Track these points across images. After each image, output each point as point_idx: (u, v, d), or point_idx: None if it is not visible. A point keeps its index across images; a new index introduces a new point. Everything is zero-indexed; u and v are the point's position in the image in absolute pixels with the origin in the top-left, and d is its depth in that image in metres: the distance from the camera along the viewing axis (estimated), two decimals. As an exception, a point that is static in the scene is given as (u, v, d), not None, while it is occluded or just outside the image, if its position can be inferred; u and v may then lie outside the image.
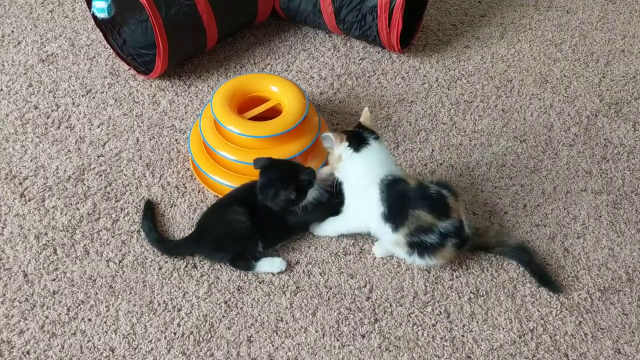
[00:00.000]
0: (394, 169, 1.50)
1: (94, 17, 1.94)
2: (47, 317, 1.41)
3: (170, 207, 1.62)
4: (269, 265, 1.50)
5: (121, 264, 1.51)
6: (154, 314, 1.43)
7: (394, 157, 1.75)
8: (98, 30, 1.99)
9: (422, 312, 1.46)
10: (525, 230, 1.63)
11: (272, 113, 1.67)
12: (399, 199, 1.45)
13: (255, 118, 1.66)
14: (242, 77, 1.76)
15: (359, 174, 1.48)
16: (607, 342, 1.44)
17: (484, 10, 2.30)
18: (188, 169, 1.71)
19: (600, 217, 1.68)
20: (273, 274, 1.51)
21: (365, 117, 1.54)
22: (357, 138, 1.49)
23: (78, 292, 1.46)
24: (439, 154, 1.79)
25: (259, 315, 1.44)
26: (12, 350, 1.36)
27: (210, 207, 1.58)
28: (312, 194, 1.51)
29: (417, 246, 1.46)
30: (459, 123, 1.89)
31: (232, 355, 1.38)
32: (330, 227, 1.56)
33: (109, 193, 1.64)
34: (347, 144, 1.48)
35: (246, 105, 1.69)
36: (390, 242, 1.49)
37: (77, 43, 2.05)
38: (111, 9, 1.84)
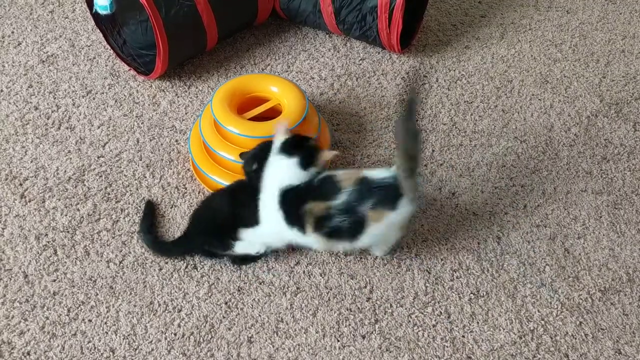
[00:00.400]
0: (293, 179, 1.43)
1: (94, 18, 1.94)
2: (47, 318, 1.41)
3: (171, 208, 1.62)
4: (248, 245, 1.49)
5: (121, 264, 1.51)
6: (154, 314, 1.43)
7: (393, 158, 1.75)
8: (98, 31, 1.99)
9: (422, 313, 1.46)
10: (526, 231, 1.63)
11: (272, 113, 1.67)
12: (292, 201, 1.40)
13: (256, 118, 1.66)
14: (242, 77, 1.76)
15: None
16: (607, 343, 1.44)
17: (484, 11, 2.30)
18: (188, 169, 1.71)
19: (601, 217, 1.68)
20: (273, 275, 1.51)
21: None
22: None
23: (78, 292, 1.46)
24: (439, 155, 1.79)
25: (260, 316, 1.44)
26: (12, 351, 1.36)
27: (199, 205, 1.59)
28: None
29: (336, 233, 1.39)
30: (459, 123, 1.89)
31: (232, 356, 1.38)
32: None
33: (109, 194, 1.65)
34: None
35: (246, 106, 1.69)
36: (315, 244, 1.45)
37: (77, 44, 2.06)
38: (113, 5, 1.85)
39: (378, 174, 1.40)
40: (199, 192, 1.66)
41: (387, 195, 1.37)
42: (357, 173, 1.40)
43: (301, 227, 1.41)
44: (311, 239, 1.43)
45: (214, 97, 1.65)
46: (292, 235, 1.44)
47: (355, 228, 1.38)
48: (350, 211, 1.36)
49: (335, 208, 1.37)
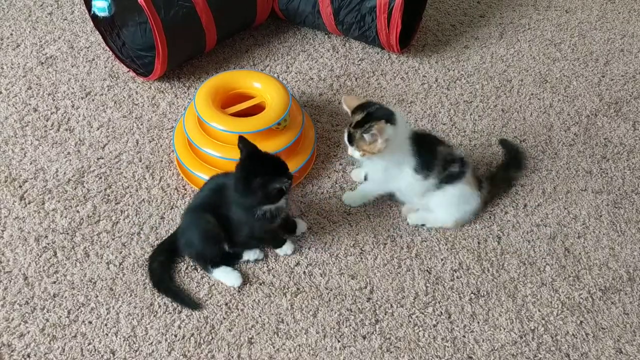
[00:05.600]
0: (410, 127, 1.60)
1: (93, 20, 1.94)
2: (47, 320, 1.41)
3: (170, 209, 1.62)
4: (224, 275, 1.48)
5: (121, 266, 1.50)
6: (154, 316, 1.43)
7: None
8: (97, 32, 1.99)
9: (423, 313, 1.46)
10: (526, 230, 1.63)
11: (255, 109, 1.67)
12: (423, 145, 1.53)
13: (241, 115, 1.66)
14: (225, 74, 1.76)
15: (400, 139, 1.51)
16: (608, 342, 1.44)
17: (483, 11, 2.30)
18: (188, 170, 1.71)
19: (601, 216, 1.67)
20: (273, 275, 1.50)
21: (352, 101, 1.54)
22: (384, 114, 1.50)
23: (78, 294, 1.45)
24: (439, 155, 1.79)
25: (260, 316, 1.44)
26: (12, 353, 1.36)
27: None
28: (280, 202, 1.43)
29: (445, 179, 1.55)
30: (458, 123, 1.89)
31: (233, 357, 1.37)
32: (362, 196, 1.66)
33: (108, 195, 1.64)
34: (388, 125, 1.47)
35: (230, 102, 1.69)
36: (419, 192, 1.57)
37: (76, 45, 2.05)
38: (111, 8, 1.84)
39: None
40: (198, 193, 1.66)
41: (476, 179, 1.61)
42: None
43: (430, 169, 1.53)
44: (424, 186, 1.55)
45: (197, 94, 1.65)
46: (404, 184, 1.56)
47: (458, 176, 1.56)
48: (463, 164, 1.56)
49: (456, 155, 1.57)
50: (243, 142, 1.40)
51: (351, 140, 1.50)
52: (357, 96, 1.60)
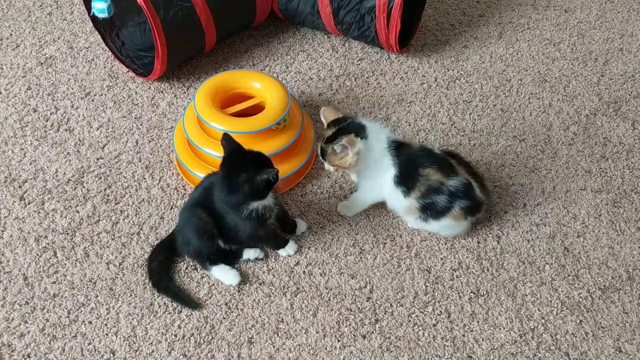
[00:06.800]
0: (392, 135, 1.55)
1: (93, 20, 1.94)
2: (47, 320, 1.41)
3: (170, 209, 1.62)
4: (222, 273, 1.49)
5: (121, 266, 1.51)
6: (154, 316, 1.43)
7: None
8: (96, 32, 1.99)
9: (422, 312, 1.46)
10: (525, 230, 1.63)
11: (255, 109, 1.67)
12: (408, 161, 1.50)
13: (240, 115, 1.66)
14: (225, 74, 1.76)
15: (374, 152, 1.50)
16: (608, 341, 1.44)
17: (482, 10, 2.30)
18: (187, 170, 1.71)
19: (600, 215, 1.68)
20: (273, 275, 1.51)
21: (330, 114, 1.55)
22: (354, 128, 1.50)
23: (78, 294, 1.46)
24: (439, 154, 1.80)
25: (260, 316, 1.44)
26: (12, 353, 1.36)
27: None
28: (267, 200, 1.43)
29: (429, 209, 1.51)
30: (458, 123, 1.89)
31: (233, 356, 1.37)
32: (354, 205, 1.63)
33: (108, 195, 1.64)
34: (357, 139, 1.48)
35: (229, 103, 1.69)
36: (402, 208, 1.54)
37: (75, 46, 2.05)
38: (111, 9, 1.85)
39: (475, 185, 1.53)
40: (198, 193, 1.66)
41: (475, 207, 1.53)
42: (464, 173, 1.53)
43: (408, 189, 1.49)
44: (404, 202, 1.51)
45: (196, 94, 1.65)
46: (389, 194, 1.53)
47: (441, 213, 1.50)
48: (452, 196, 1.48)
49: (446, 186, 1.48)
50: (226, 139, 1.40)
51: (323, 155, 1.52)
52: (335, 108, 1.59)
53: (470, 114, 1.92)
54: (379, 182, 1.53)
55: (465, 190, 1.49)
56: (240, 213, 1.41)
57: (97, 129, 1.81)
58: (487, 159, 1.79)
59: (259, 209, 1.41)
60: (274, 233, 1.53)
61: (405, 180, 1.49)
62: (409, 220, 1.60)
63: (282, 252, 1.54)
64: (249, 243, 1.51)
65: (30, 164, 1.71)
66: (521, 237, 1.62)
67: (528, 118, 1.92)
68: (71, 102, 1.88)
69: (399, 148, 1.51)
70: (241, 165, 1.37)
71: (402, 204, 1.53)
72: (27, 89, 1.91)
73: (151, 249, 1.53)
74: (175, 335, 1.40)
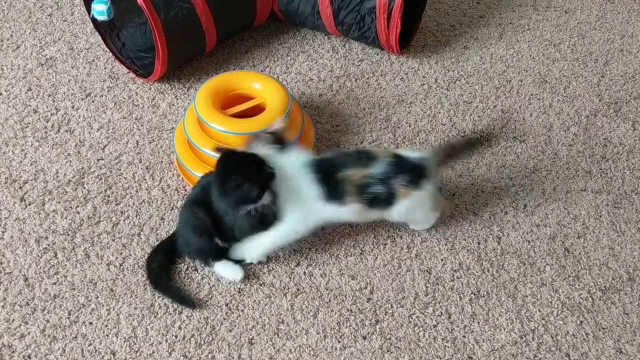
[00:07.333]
0: (302, 155, 1.47)
1: (93, 21, 1.94)
2: (48, 321, 1.41)
3: (171, 210, 1.62)
4: (224, 269, 1.49)
5: (122, 267, 1.51)
6: (155, 316, 1.43)
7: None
8: (97, 33, 1.99)
9: (423, 313, 1.46)
10: (526, 231, 1.63)
11: (255, 110, 1.67)
12: (325, 173, 1.42)
13: (241, 116, 1.66)
14: (225, 75, 1.76)
15: (291, 179, 1.43)
16: (608, 342, 1.44)
17: (482, 11, 2.30)
18: (188, 171, 1.71)
19: (601, 216, 1.68)
20: (274, 276, 1.51)
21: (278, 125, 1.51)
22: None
23: (79, 295, 1.46)
24: (439, 155, 1.80)
25: (260, 317, 1.44)
26: (13, 354, 1.36)
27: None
28: (264, 199, 1.40)
29: (377, 201, 1.44)
30: (458, 124, 1.89)
31: (233, 357, 1.37)
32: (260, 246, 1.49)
33: (109, 196, 1.64)
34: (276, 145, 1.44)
35: (229, 103, 1.69)
36: (354, 215, 1.46)
37: (76, 47, 2.06)
38: (111, 11, 1.84)
39: (409, 153, 1.48)
40: (198, 194, 1.66)
41: (415, 174, 1.45)
42: (388, 150, 1.45)
43: (340, 199, 1.42)
44: (348, 210, 1.45)
45: (197, 94, 1.65)
46: (327, 213, 1.46)
47: (389, 199, 1.44)
48: (386, 181, 1.42)
49: (373, 176, 1.42)
50: (219, 149, 1.41)
51: None
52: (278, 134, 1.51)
53: (470, 114, 1.92)
54: (308, 208, 1.44)
55: (395, 167, 1.42)
56: (237, 213, 1.41)
57: (98, 130, 1.81)
58: (487, 159, 1.79)
59: (257, 209, 1.41)
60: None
61: (333, 193, 1.42)
62: (374, 215, 1.51)
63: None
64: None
65: (31, 165, 1.71)
66: (522, 238, 1.62)
67: (528, 119, 1.92)
68: (72, 103, 1.88)
69: (313, 165, 1.43)
70: (231, 169, 1.37)
71: (348, 213, 1.45)
72: (28, 90, 1.91)
73: (151, 249, 1.53)
74: (176, 336, 1.40)
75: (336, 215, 1.48)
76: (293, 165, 1.43)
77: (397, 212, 1.48)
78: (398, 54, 2.07)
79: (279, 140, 1.48)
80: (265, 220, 1.44)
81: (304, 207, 1.45)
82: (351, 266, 1.54)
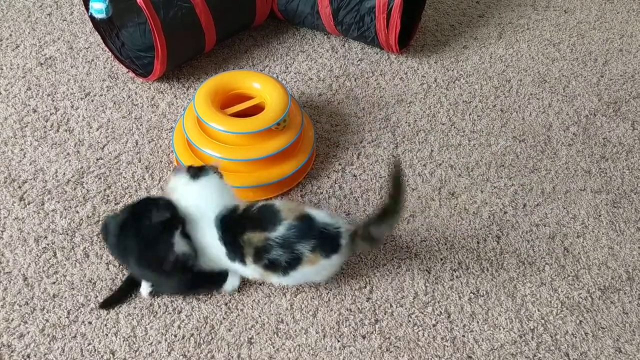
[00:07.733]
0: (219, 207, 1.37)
1: (92, 20, 1.94)
2: (47, 321, 1.41)
3: (170, 210, 1.62)
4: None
5: (121, 267, 1.50)
6: (154, 316, 1.43)
7: (393, 158, 1.76)
8: (96, 33, 2.00)
9: (422, 313, 1.46)
10: (525, 230, 1.63)
11: (255, 110, 1.67)
12: (229, 232, 1.34)
13: (240, 115, 1.66)
14: (225, 74, 1.75)
15: (205, 236, 1.36)
16: (607, 341, 1.44)
17: (482, 11, 2.30)
18: (187, 171, 1.71)
19: (600, 216, 1.68)
20: (273, 276, 1.51)
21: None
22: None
23: (78, 295, 1.46)
24: (438, 155, 1.80)
25: (260, 316, 1.44)
26: (12, 354, 1.36)
27: None
28: (181, 245, 1.33)
29: (277, 266, 1.34)
30: (457, 123, 1.89)
31: (232, 357, 1.37)
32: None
33: (108, 196, 1.64)
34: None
35: (229, 103, 1.69)
36: (257, 275, 1.39)
37: (75, 46, 2.06)
38: (109, 9, 1.85)
39: (323, 217, 1.35)
40: (198, 194, 1.66)
41: (328, 243, 1.34)
42: (299, 207, 1.35)
43: (242, 260, 1.35)
44: (250, 270, 1.38)
45: (196, 94, 1.66)
46: (234, 267, 1.39)
47: (291, 264, 1.33)
48: (288, 247, 1.31)
49: (273, 240, 1.31)
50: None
51: None
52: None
53: (470, 114, 1.92)
54: (218, 262, 1.39)
55: (302, 232, 1.31)
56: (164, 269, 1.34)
57: (97, 130, 1.81)
58: (486, 159, 1.79)
59: (178, 259, 1.33)
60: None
61: (235, 253, 1.35)
62: (273, 280, 1.41)
63: (227, 288, 1.46)
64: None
65: (30, 164, 1.71)
66: (521, 237, 1.62)
67: (528, 118, 1.92)
68: (71, 102, 1.88)
69: (221, 220, 1.34)
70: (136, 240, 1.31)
71: (252, 272, 1.39)
72: (27, 89, 1.91)
73: None
74: (175, 336, 1.40)
75: (246, 274, 1.42)
76: (206, 216, 1.35)
77: (299, 276, 1.37)
78: (397, 54, 2.07)
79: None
80: (187, 267, 1.37)
81: (214, 259, 1.39)
82: (350, 265, 1.54)
